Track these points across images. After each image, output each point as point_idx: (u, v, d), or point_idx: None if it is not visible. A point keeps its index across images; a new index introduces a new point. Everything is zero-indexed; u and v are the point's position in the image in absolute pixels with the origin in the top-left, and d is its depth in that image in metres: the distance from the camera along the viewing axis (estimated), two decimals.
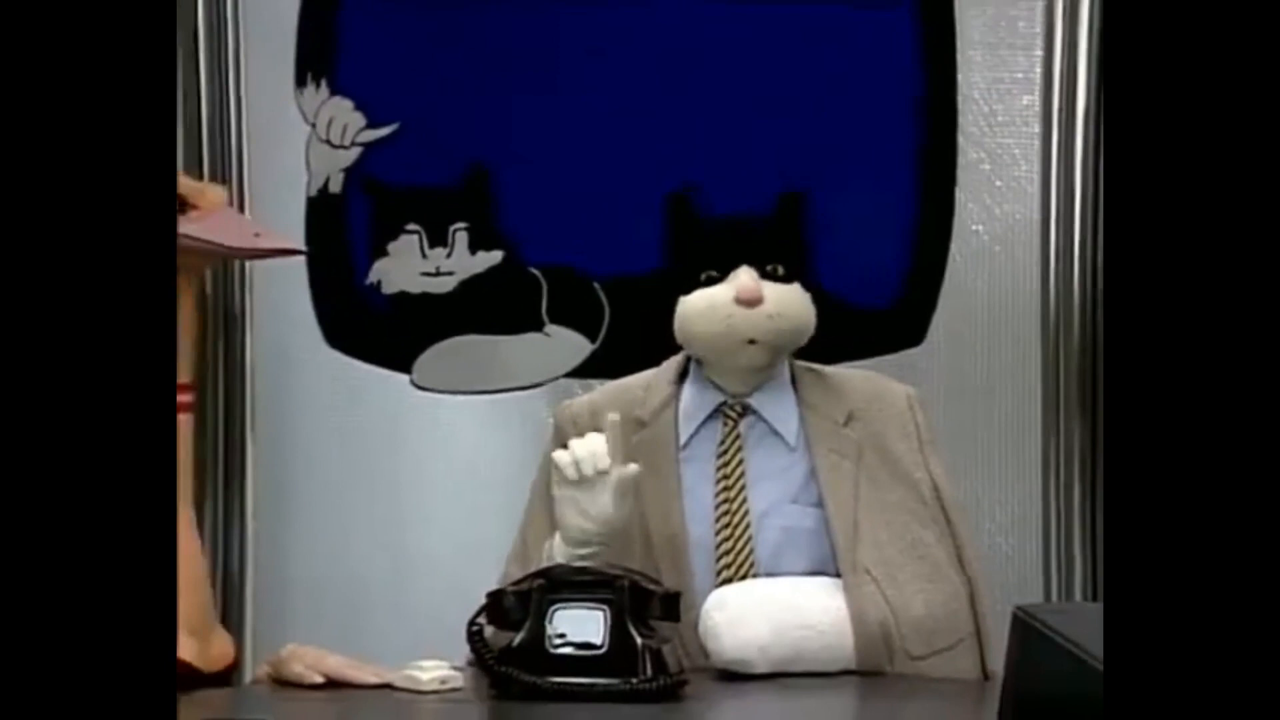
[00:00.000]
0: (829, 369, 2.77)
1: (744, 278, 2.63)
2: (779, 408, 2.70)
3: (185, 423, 2.68)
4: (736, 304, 2.62)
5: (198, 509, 2.96)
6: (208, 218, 2.64)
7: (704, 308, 2.65)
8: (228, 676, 2.64)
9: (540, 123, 3.39)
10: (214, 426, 3.35)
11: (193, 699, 2.41)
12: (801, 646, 2.53)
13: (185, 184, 2.69)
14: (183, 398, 2.66)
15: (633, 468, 2.53)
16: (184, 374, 2.68)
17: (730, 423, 2.69)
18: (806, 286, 2.68)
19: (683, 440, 2.69)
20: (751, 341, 2.63)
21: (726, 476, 2.66)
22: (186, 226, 2.61)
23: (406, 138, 3.35)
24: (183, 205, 2.63)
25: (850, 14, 3.35)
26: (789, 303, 2.65)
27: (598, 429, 2.57)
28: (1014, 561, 3.12)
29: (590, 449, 2.52)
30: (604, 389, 2.83)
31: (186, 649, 2.53)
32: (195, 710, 2.31)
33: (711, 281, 2.66)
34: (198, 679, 2.50)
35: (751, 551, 2.62)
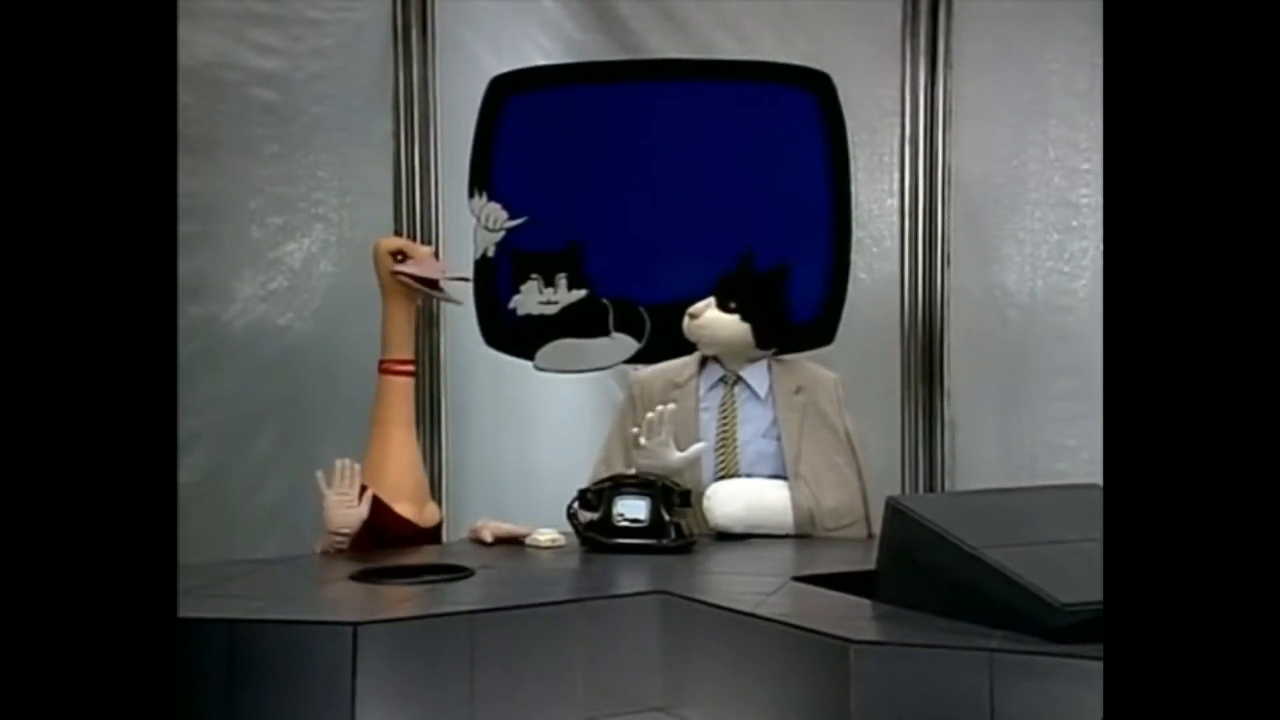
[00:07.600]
0: (788, 358, 2.75)
1: (697, 305, 2.67)
2: (758, 381, 2.68)
3: (410, 383, 2.64)
4: (689, 318, 2.67)
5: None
6: (417, 263, 2.62)
7: (684, 319, 2.69)
8: (438, 533, 2.58)
9: (606, 214, 3.30)
10: (428, 387, 3.32)
11: (422, 549, 2.42)
12: (763, 519, 2.53)
13: (406, 243, 2.70)
14: (409, 368, 2.63)
15: (700, 446, 2.52)
16: (411, 352, 2.66)
17: (728, 388, 2.68)
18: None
19: (700, 397, 2.67)
20: (697, 340, 2.68)
21: (725, 419, 2.65)
22: (403, 267, 2.61)
23: (532, 224, 3.27)
24: (404, 256, 2.62)
25: (775, 171, 3.25)
26: (714, 323, 2.65)
27: (655, 389, 2.65)
28: (885, 474, 3.07)
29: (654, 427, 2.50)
30: (660, 366, 2.80)
31: (408, 511, 2.48)
32: (424, 555, 2.36)
33: None
34: (419, 533, 2.48)
35: (737, 463, 2.62)
